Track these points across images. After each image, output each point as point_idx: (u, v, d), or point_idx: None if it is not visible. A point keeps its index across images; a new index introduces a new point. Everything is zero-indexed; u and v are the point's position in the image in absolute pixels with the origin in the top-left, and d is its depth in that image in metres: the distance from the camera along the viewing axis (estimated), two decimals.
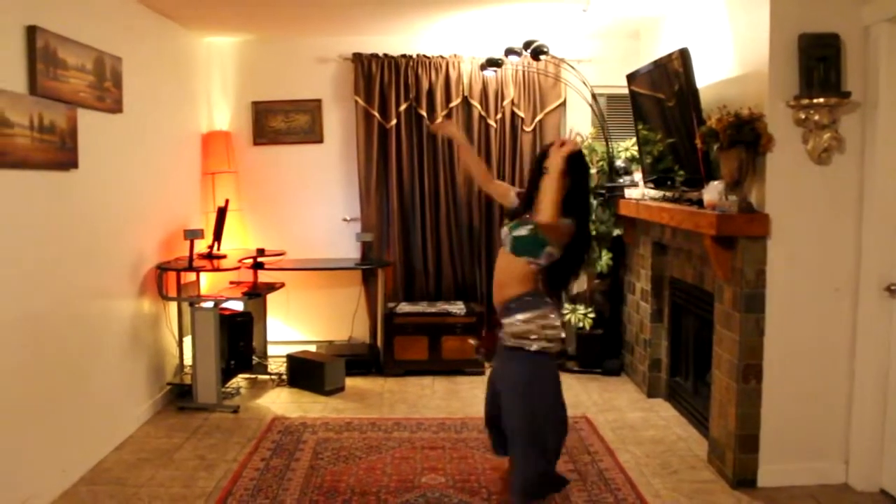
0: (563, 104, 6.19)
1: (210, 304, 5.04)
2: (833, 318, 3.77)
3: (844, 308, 3.77)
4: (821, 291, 3.76)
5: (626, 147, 5.78)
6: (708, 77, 4.31)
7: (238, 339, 5.47)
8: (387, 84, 6.09)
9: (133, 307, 4.70)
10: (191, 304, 5.06)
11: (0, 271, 3.32)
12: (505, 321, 3.27)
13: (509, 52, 5.63)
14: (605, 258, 5.81)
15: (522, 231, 3.25)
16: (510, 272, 3.28)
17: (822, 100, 3.51)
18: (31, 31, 3.51)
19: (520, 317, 3.22)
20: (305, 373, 5.55)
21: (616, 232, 5.74)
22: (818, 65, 3.53)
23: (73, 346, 3.96)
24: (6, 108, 3.28)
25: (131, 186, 4.67)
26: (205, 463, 4.16)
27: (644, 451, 4.30)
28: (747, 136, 3.60)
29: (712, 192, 3.84)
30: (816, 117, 3.56)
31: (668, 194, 4.76)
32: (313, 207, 6.38)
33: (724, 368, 3.93)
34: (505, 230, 3.35)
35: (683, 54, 4.15)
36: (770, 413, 3.79)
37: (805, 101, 3.54)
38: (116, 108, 4.39)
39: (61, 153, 3.76)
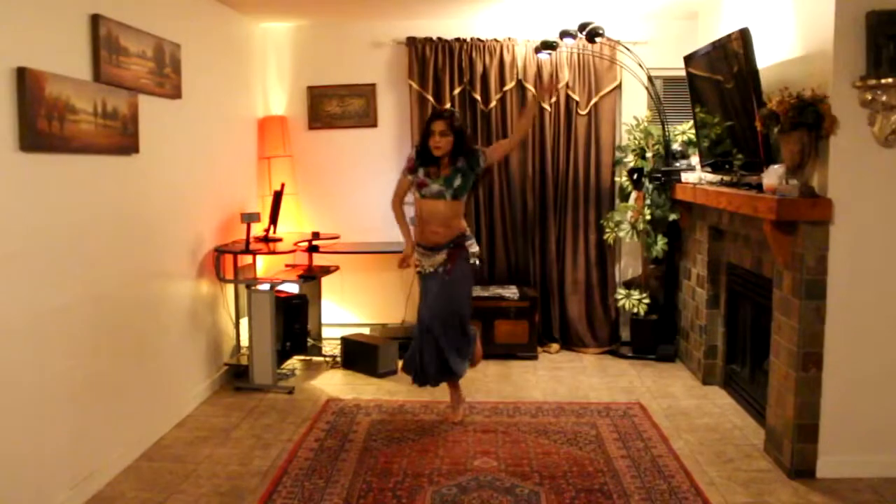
0: (619, 87, 6.10)
1: (266, 287, 5.13)
2: None
3: None
4: (885, 279, 3.65)
5: (682, 130, 5.68)
6: (768, 58, 4.20)
7: (293, 322, 5.55)
8: (441, 68, 6.08)
9: (192, 289, 4.81)
10: (247, 287, 5.15)
11: (67, 254, 3.42)
12: (468, 244, 4.41)
13: (564, 34, 5.57)
14: (661, 243, 5.73)
15: (458, 181, 4.30)
16: (453, 212, 4.35)
17: (891, 80, 3.38)
18: (95, 20, 3.59)
19: (473, 242, 4.48)
20: (359, 355, 5.61)
21: (672, 217, 5.65)
22: (888, 43, 3.39)
23: (136, 327, 4.07)
24: (72, 96, 3.37)
25: (190, 171, 4.76)
26: (261, 442, 4.24)
27: (698, 439, 4.25)
28: (810, 118, 3.50)
29: (772, 175, 3.75)
30: (884, 98, 3.44)
31: (726, 178, 4.67)
32: (367, 191, 6.41)
33: (782, 356, 3.86)
34: (436, 187, 4.31)
35: (744, 34, 4.05)
36: (830, 402, 3.70)
37: (872, 82, 3.42)
38: (175, 93, 4.48)
39: (123, 138, 3.85)
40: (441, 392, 5.11)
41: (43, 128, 3.16)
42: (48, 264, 3.28)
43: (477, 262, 4.51)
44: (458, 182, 4.30)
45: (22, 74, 3.04)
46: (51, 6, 3.31)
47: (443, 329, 4.35)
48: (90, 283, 3.61)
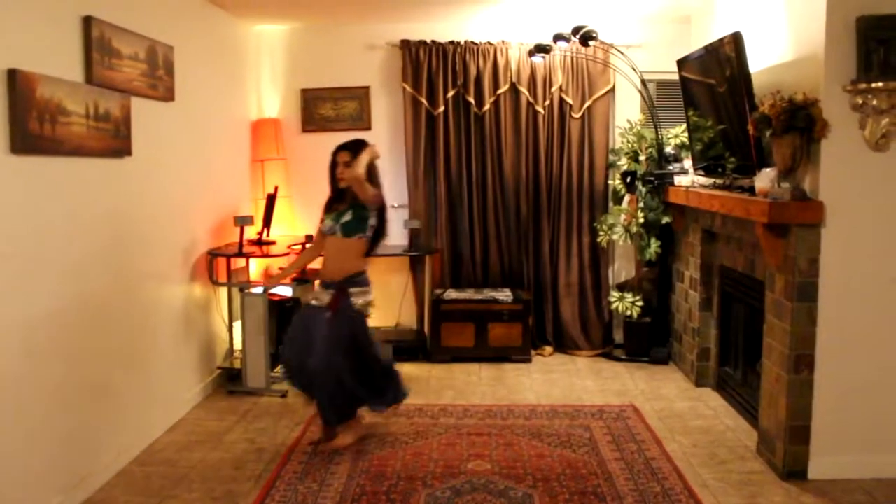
0: (612, 90, 6.12)
1: (259, 290, 5.12)
2: (889, 309, 3.68)
3: None
4: (876, 281, 3.67)
5: (675, 134, 5.70)
6: (760, 62, 4.21)
7: (287, 325, 5.52)
8: (434, 71, 6.09)
9: (185, 292, 4.80)
10: (241, 290, 5.15)
11: (57, 257, 3.41)
12: (353, 290, 4.10)
13: (558, 37, 5.58)
14: (654, 246, 5.74)
15: (347, 217, 4.09)
16: (347, 251, 4.11)
17: (881, 84, 3.41)
18: (87, 22, 3.59)
19: (364, 291, 4.16)
20: None
21: (665, 219, 5.66)
22: (878, 48, 3.42)
23: (128, 330, 4.06)
24: (64, 97, 3.36)
25: (183, 173, 4.75)
26: (254, 446, 4.23)
27: (692, 441, 4.26)
28: (801, 121, 3.52)
29: (764, 179, 3.77)
30: (875, 102, 3.46)
31: (719, 181, 4.68)
32: None
33: (774, 358, 3.87)
34: (329, 223, 4.14)
35: (736, 38, 4.07)
36: (822, 404, 3.71)
37: (863, 86, 3.45)
38: (168, 96, 4.47)
39: (115, 141, 3.85)
40: (436, 394, 5.12)
41: (34, 130, 3.15)
42: (40, 268, 3.27)
43: (366, 310, 4.20)
44: (347, 218, 4.09)
45: (13, 76, 3.03)
46: (43, 8, 3.30)
47: (324, 372, 4.02)
48: (82, 287, 3.60)
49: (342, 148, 4.17)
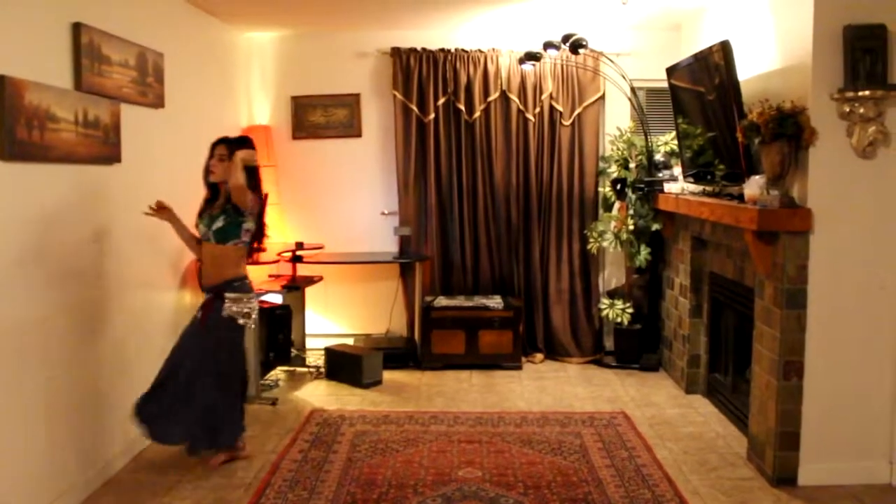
0: (602, 98, 6.14)
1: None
2: (877, 315, 3.70)
3: (889, 305, 3.69)
4: (865, 288, 3.69)
5: (665, 141, 5.73)
6: (749, 70, 4.24)
7: (277, 332, 5.53)
8: (425, 78, 6.10)
9: (174, 299, 4.78)
10: None
11: (47, 263, 3.39)
12: (230, 295, 3.88)
13: (548, 45, 5.60)
14: (644, 253, 5.76)
15: (220, 223, 3.87)
16: (223, 258, 3.90)
17: (867, 92, 3.44)
18: (77, 28, 3.57)
19: (243, 298, 3.93)
20: (343, 366, 5.59)
21: (655, 227, 5.68)
22: (864, 57, 3.46)
23: (118, 337, 4.04)
24: (52, 104, 3.34)
25: (173, 180, 4.72)
26: (244, 454, 4.21)
27: (682, 448, 4.27)
28: (790, 129, 3.55)
29: (753, 186, 3.79)
30: (861, 110, 3.49)
31: (708, 189, 4.71)
32: (352, 201, 6.41)
33: (764, 365, 3.88)
34: (202, 228, 3.94)
35: (725, 47, 4.10)
36: (812, 411, 3.73)
37: (850, 94, 3.47)
38: (158, 103, 4.46)
39: (105, 148, 3.83)
40: (426, 401, 5.11)
41: (22, 136, 3.13)
42: (28, 275, 3.25)
43: (246, 321, 3.94)
44: (219, 224, 3.87)
45: (1, 82, 3.01)
46: (32, 14, 3.29)
47: (187, 381, 3.86)
48: (71, 294, 3.58)
49: (221, 141, 3.98)
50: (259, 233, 4.03)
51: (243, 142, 3.99)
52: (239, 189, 3.80)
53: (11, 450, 3.14)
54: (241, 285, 3.94)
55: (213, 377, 3.86)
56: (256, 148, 4.02)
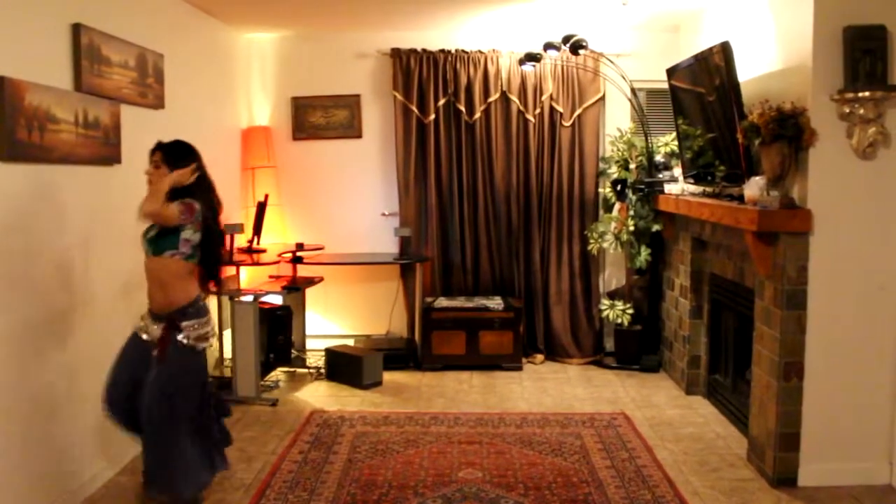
0: (602, 99, 6.14)
1: (250, 298, 5.10)
2: (877, 317, 3.70)
3: (889, 306, 3.69)
4: (865, 289, 3.68)
5: (665, 142, 5.72)
6: (749, 71, 4.24)
7: (277, 333, 5.53)
8: (425, 79, 6.10)
9: None
10: (231, 298, 5.13)
11: (47, 263, 3.40)
12: (186, 324, 3.34)
13: (548, 46, 5.60)
14: (644, 254, 5.76)
15: (153, 231, 3.34)
16: (164, 273, 3.32)
17: (867, 93, 3.44)
18: (76, 29, 3.58)
19: (195, 325, 3.37)
20: (343, 367, 5.59)
21: (655, 227, 5.68)
22: (864, 57, 3.45)
23: (117, 338, 4.02)
24: (52, 105, 3.35)
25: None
26: (244, 455, 4.21)
27: (682, 449, 4.27)
28: (790, 130, 3.55)
29: (753, 187, 3.79)
30: (861, 111, 3.49)
31: (709, 190, 4.71)
32: (352, 202, 6.42)
33: (764, 366, 3.88)
34: (142, 239, 3.40)
35: (725, 48, 4.09)
36: (812, 411, 3.73)
37: (850, 95, 3.47)
38: (158, 103, 4.46)
39: (105, 148, 3.83)
40: (427, 402, 5.11)
41: (22, 137, 3.14)
42: (30, 273, 3.26)
43: (201, 345, 3.41)
44: (152, 234, 3.34)
45: (1, 83, 3.01)
46: (31, 15, 3.29)
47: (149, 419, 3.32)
48: (71, 294, 3.58)
49: (158, 147, 3.40)
50: (212, 248, 3.44)
51: (181, 149, 3.41)
52: (153, 216, 3.24)
53: (9, 452, 3.14)
54: (196, 310, 3.40)
55: (168, 417, 3.30)
56: (197, 155, 3.43)
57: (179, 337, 3.32)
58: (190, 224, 3.30)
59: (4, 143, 3.04)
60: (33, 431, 3.30)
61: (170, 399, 3.27)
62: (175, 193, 3.28)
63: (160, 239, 3.31)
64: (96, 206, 3.83)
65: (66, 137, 3.47)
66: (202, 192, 3.40)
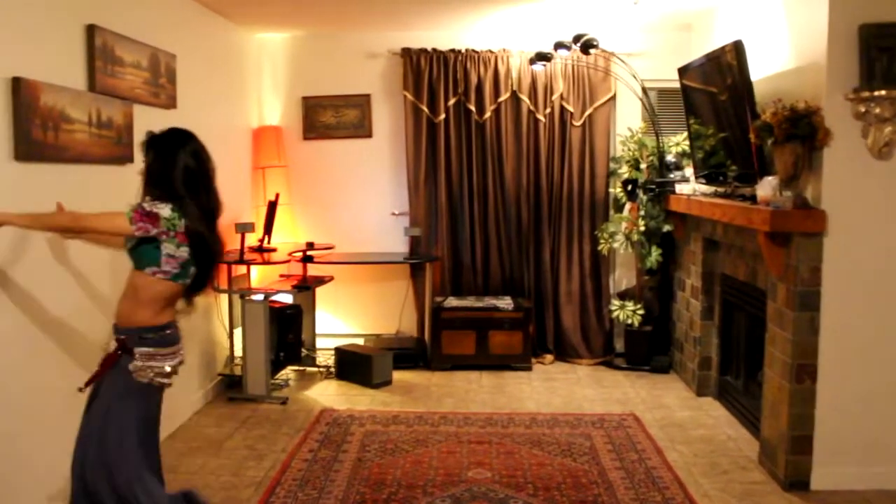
0: (613, 98, 6.12)
1: (260, 297, 5.12)
2: (892, 318, 3.67)
3: None
4: (879, 290, 3.66)
5: (676, 142, 5.70)
6: (762, 70, 4.22)
7: (287, 332, 5.54)
8: (435, 79, 6.10)
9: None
10: (241, 297, 5.14)
11: (62, 262, 3.41)
12: (140, 351, 2.69)
13: (559, 45, 5.59)
14: (655, 254, 5.74)
15: (130, 243, 2.72)
16: (138, 288, 2.72)
17: (884, 92, 3.41)
18: (90, 30, 3.60)
19: (151, 354, 2.71)
20: (353, 366, 5.59)
21: (666, 228, 5.66)
22: (880, 56, 3.43)
23: None
24: (67, 105, 3.36)
25: None
26: (254, 453, 4.22)
27: (693, 451, 4.25)
28: (803, 130, 3.52)
29: (766, 187, 3.77)
30: (878, 110, 3.46)
31: (720, 190, 4.69)
32: (362, 202, 6.42)
33: (776, 368, 3.86)
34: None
35: (737, 47, 4.07)
36: (825, 414, 3.70)
37: (865, 94, 3.45)
38: (171, 103, 4.47)
39: (118, 148, 3.85)
40: (436, 402, 5.11)
41: (38, 137, 3.16)
42: (44, 272, 3.27)
43: (164, 382, 2.77)
44: (130, 244, 2.73)
45: (17, 84, 3.03)
46: (47, 16, 3.31)
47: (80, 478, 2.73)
48: (84, 291, 3.59)
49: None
50: (202, 270, 2.83)
51: (179, 135, 2.83)
52: (65, 231, 2.81)
53: (22, 448, 3.15)
54: (158, 338, 2.72)
55: (103, 467, 2.70)
56: (166, 143, 2.79)
57: (132, 364, 2.67)
58: (165, 236, 2.64)
59: (20, 142, 3.07)
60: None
61: (92, 445, 2.62)
62: (157, 190, 2.71)
63: (136, 250, 2.70)
64: (109, 205, 3.80)
65: (80, 137, 3.48)
66: (192, 190, 2.72)
